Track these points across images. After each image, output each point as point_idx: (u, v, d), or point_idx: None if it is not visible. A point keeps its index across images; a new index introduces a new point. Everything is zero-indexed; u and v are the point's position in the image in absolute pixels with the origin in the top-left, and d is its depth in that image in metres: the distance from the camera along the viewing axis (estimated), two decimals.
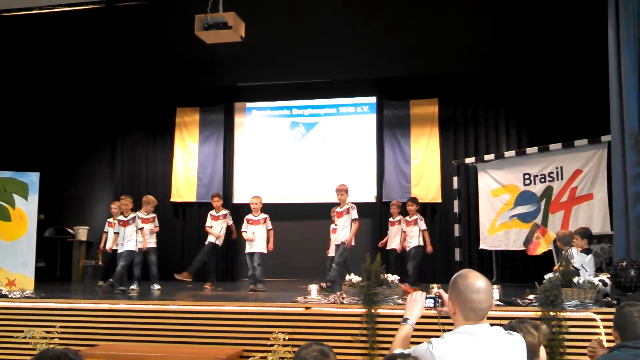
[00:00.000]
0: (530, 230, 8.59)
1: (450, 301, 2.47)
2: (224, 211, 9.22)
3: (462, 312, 2.41)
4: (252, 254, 8.48)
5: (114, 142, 12.01)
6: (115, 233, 8.65)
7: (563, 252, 6.86)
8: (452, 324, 2.49)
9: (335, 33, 8.80)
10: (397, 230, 9.38)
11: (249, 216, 8.67)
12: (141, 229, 8.49)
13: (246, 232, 8.56)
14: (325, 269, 8.43)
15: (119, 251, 8.39)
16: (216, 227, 9.08)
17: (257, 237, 8.47)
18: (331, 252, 8.48)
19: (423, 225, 9.16)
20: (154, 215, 8.95)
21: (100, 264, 10.61)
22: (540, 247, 8.38)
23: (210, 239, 9.01)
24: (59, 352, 2.24)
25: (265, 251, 8.50)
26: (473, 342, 2.33)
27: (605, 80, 6.60)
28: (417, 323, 2.73)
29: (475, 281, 2.41)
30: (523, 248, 9.01)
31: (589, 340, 3.58)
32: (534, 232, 8.40)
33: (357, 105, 11.49)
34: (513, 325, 2.87)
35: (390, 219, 9.59)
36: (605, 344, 3.67)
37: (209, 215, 9.19)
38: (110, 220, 9.56)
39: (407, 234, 9.16)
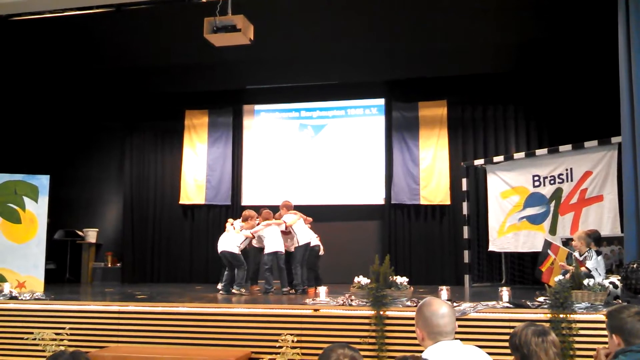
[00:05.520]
0: (540, 253, 8.13)
1: (418, 328, 2.64)
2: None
3: (430, 336, 2.60)
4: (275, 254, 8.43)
5: (123, 145, 12.06)
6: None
7: (585, 253, 6.60)
8: None
9: (343, 35, 8.79)
10: None
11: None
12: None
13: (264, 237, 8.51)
14: (335, 269, 8.45)
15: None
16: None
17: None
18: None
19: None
20: None
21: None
22: (555, 272, 7.84)
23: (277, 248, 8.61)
24: (70, 355, 2.26)
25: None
26: (452, 347, 2.54)
27: (615, 81, 6.56)
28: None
29: (439, 308, 2.62)
30: (532, 250, 8.95)
31: (599, 343, 3.54)
32: (545, 256, 7.90)
33: (365, 107, 11.48)
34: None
35: None
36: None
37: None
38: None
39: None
